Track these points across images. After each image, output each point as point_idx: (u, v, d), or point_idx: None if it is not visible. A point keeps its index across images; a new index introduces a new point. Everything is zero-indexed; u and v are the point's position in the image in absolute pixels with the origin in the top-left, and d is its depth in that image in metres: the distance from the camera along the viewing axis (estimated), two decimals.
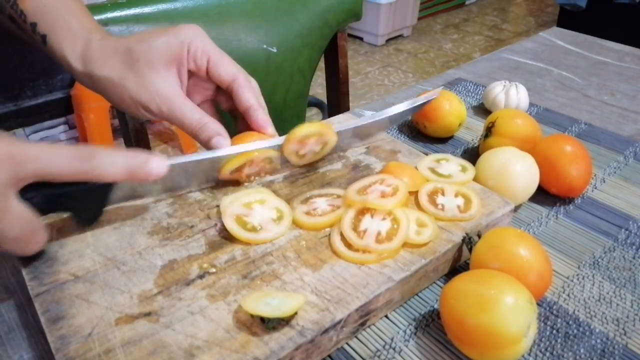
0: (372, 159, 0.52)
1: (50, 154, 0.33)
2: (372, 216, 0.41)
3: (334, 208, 0.44)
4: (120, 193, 0.41)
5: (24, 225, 0.34)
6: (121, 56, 0.43)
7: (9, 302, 0.40)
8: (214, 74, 0.45)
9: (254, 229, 0.41)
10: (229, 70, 0.45)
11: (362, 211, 0.42)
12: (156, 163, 0.37)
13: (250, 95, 0.45)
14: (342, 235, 0.41)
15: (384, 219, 0.41)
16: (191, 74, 0.46)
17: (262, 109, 0.46)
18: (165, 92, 0.43)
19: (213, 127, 0.44)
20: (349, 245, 0.40)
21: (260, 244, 0.41)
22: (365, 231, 0.40)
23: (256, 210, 0.43)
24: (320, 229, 0.42)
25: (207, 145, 0.44)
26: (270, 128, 0.46)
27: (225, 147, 0.44)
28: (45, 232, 0.36)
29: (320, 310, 0.35)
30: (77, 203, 0.38)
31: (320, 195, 0.45)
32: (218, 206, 0.45)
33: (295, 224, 0.43)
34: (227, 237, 0.41)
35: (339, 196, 0.45)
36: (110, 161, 0.35)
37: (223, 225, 0.41)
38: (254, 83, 0.47)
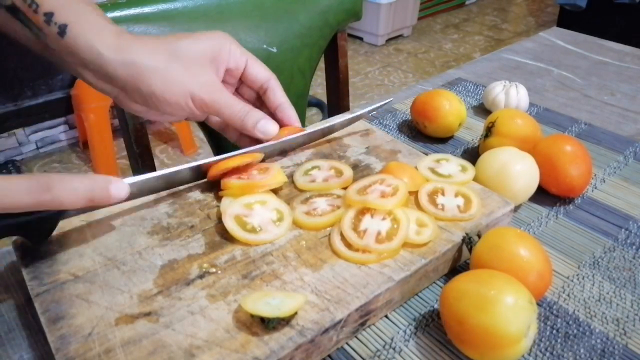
0: (372, 159, 0.52)
1: (6, 187, 0.32)
2: (372, 216, 0.41)
3: (334, 208, 0.44)
4: (72, 212, 0.40)
5: None
6: (164, 49, 0.44)
7: (9, 302, 0.40)
8: (251, 73, 0.49)
9: (253, 230, 0.41)
10: (264, 71, 0.49)
11: (362, 211, 0.42)
12: (117, 186, 0.37)
13: (282, 93, 0.50)
14: (342, 235, 0.41)
15: (384, 219, 0.41)
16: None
17: (292, 106, 0.50)
18: (211, 83, 0.45)
19: (257, 113, 0.46)
20: (349, 245, 0.40)
21: (259, 245, 0.41)
22: (365, 231, 0.40)
23: (256, 210, 0.43)
24: (321, 229, 0.42)
25: (254, 131, 0.46)
26: (298, 123, 0.50)
27: (272, 129, 0.46)
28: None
29: (320, 310, 0.35)
30: (29, 229, 0.37)
31: (320, 195, 0.45)
32: (218, 206, 0.45)
33: (296, 224, 0.43)
34: (227, 237, 0.41)
35: (339, 196, 0.45)
36: (71, 189, 0.34)
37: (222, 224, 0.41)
38: None
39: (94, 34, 0.42)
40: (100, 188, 0.36)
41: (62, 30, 0.42)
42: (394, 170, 0.47)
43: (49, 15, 0.42)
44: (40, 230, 0.38)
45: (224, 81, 0.49)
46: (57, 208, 0.35)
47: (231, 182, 0.44)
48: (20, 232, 0.37)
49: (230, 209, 0.42)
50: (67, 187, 0.34)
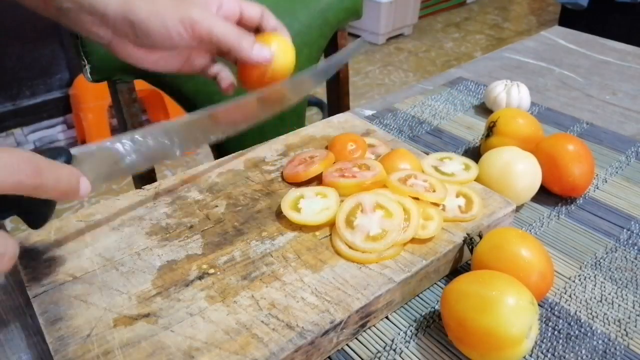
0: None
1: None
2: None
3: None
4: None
5: None
6: None
7: (8, 302, 0.40)
8: (247, 15, 0.48)
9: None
10: (257, 6, 0.48)
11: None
12: (84, 184, 0.33)
13: (275, 19, 0.49)
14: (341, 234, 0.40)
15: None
16: None
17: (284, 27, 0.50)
18: (204, 9, 0.44)
19: (252, 37, 0.45)
20: (350, 245, 0.39)
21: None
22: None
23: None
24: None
25: (251, 54, 0.45)
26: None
27: (268, 53, 0.45)
28: (12, 242, 0.29)
29: (321, 311, 0.35)
30: (25, 207, 0.33)
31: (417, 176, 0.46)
32: (217, 206, 0.44)
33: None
34: (226, 237, 0.41)
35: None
36: (55, 178, 0.30)
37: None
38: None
39: None
40: (75, 181, 0.32)
41: None
42: (395, 156, 0.48)
43: None
44: (38, 209, 0.33)
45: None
46: (37, 196, 0.30)
47: (339, 182, 0.44)
48: (20, 210, 0.33)
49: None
50: (52, 175, 0.30)
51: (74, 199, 0.33)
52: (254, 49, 0.45)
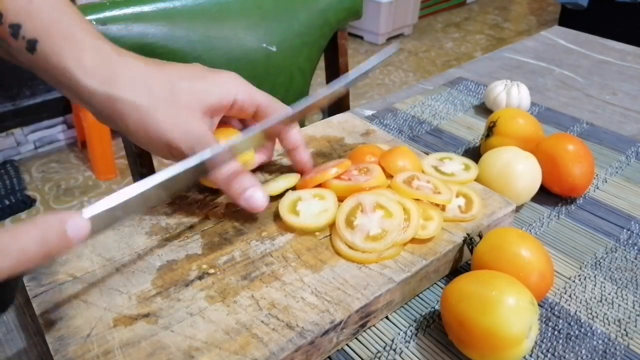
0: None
1: None
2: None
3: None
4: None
5: None
6: (161, 86, 0.38)
7: None
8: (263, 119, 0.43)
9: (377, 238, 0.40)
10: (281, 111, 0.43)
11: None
12: (75, 224, 0.27)
13: (298, 136, 0.46)
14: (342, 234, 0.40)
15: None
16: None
17: (306, 147, 0.47)
18: (197, 135, 0.38)
19: (245, 180, 0.40)
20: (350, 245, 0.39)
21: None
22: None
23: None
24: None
25: (238, 200, 0.39)
26: (310, 165, 0.47)
27: (259, 203, 0.40)
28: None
29: (320, 311, 0.35)
30: None
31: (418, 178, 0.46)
32: (217, 207, 0.44)
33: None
34: (226, 237, 0.41)
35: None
36: (17, 250, 0.24)
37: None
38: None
39: (68, 53, 0.35)
40: (55, 233, 0.26)
41: (32, 46, 0.35)
42: (396, 154, 0.48)
43: (15, 28, 0.35)
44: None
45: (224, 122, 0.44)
46: (4, 278, 0.25)
47: (334, 184, 0.44)
48: None
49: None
50: (11, 250, 0.24)
51: (69, 247, 0.27)
52: (243, 195, 0.39)
